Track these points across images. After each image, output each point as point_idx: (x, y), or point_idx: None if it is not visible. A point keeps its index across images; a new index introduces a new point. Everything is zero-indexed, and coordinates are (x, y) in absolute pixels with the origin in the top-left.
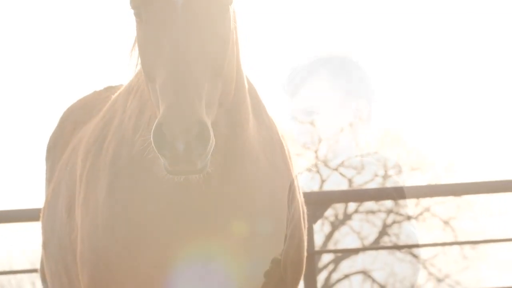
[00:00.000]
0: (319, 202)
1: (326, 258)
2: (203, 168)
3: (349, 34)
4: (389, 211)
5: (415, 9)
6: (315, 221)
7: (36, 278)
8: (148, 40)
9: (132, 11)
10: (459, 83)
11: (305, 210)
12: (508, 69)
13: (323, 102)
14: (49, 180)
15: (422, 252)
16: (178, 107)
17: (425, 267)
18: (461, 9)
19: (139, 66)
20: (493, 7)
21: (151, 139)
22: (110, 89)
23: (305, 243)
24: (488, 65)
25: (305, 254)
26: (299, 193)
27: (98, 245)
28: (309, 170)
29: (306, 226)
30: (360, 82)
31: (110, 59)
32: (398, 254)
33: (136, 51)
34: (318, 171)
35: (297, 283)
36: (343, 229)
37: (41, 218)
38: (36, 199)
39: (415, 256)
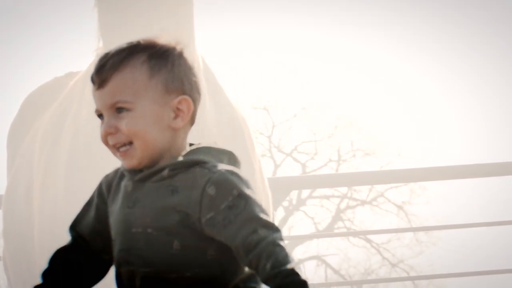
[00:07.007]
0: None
1: None
2: None
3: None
4: (343, 196)
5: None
6: (275, 208)
7: None
8: (111, 29)
9: None
10: (410, 69)
11: (270, 194)
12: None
13: (136, 98)
14: (10, 167)
15: (376, 238)
16: None
17: (379, 253)
18: None
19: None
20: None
21: None
22: (70, 75)
23: None
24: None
25: None
26: (263, 176)
27: (59, 233)
28: (263, 155)
29: (272, 210)
30: (183, 77)
31: (72, 45)
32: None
33: (97, 37)
34: (272, 157)
35: None
36: (297, 215)
37: (1, 206)
38: None
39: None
